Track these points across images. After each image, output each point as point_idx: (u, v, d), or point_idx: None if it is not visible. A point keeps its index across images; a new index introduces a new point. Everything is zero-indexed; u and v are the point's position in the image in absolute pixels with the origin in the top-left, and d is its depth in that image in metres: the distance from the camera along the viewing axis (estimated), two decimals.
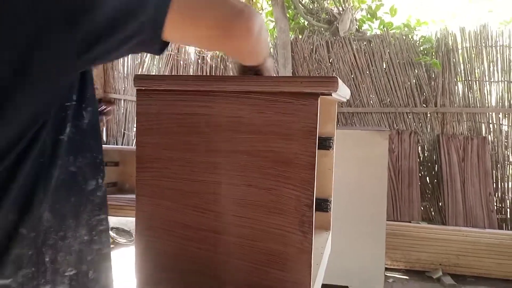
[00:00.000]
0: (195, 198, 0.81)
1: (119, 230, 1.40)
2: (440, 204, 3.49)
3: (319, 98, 0.72)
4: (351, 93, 3.66)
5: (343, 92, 0.91)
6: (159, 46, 0.58)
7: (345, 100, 1.03)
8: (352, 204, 2.68)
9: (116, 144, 4.21)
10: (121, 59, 4.13)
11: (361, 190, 2.74)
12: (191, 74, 4.01)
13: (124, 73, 4.15)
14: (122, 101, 4.17)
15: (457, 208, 3.33)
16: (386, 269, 2.90)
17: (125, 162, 3.65)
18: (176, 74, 4.02)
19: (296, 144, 0.74)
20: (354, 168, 2.69)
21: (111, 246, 1.38)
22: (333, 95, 0.75)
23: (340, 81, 0.74)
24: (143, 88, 0.82)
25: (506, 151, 3.49)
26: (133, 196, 0.84)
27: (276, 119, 0.74)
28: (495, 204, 3.36)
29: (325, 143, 1.12)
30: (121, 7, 0.51)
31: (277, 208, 0.76)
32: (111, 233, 1.38)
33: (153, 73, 4.14)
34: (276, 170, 0.75)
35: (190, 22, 0.57)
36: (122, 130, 4.19)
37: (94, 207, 0.64)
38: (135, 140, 0.88)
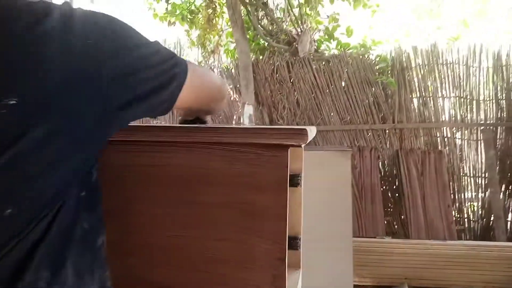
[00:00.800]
0: (162, 254, 0.77)
1: None
2: (402, 217, 3.59)
3: (289, 150, 0.72)
4: (313, 112, 3.72)
5: (312, 135, 0.91)
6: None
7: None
8: (318, 223, 2.70)
9: None
10: None
11: (327, 209, 2.76)
12: None
13: None
14: None
15: (419, 221, 3.43)
16: (355, 286, 2.93)
17: None
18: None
19: (267, 196, 0.72)
20: (318, 188, 2.71)
21: None
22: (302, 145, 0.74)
23: (309, 130, 0.73)
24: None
25: (461, 163, 3.65)
26: None
27: (247, 170, 0.73)
28: (454, 215, 3.49)
29: (294, 181, 1.11)
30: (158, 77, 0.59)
31: (248, 262, 0.74)
32: None
33: None
34: (247, 223, 0.74)
35: (195, 99, 0.69)
36: None
37: (102, 263, 0.64)
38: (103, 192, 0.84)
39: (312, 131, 0.92)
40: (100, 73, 0.51)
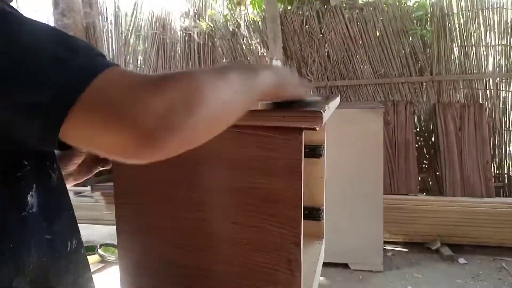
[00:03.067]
0: (178, 235, 0.76)
1: (108, 246, 1.37)
2: (437, 174, 3.47)
3: (303, 133, 0.66)
4: (344, 66, 3.56)
5: (333, 107, 0.85)
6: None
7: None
8: (349, 182, 2.66)
9: None
10: (105, 41, 3.98)
11: (358, 167, 2.71)
12: (178, 52, 3.87)
13: (109, 55, 4.01)
14: None
15: (455, 178, 3.31)
16: (385, 242, 2.92)
17: None
18: (162, 53, 3.89)
19: (281, 180, 0.68)
20: (350, 146, 2.64)
21: (101, 265, 1.35)
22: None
23: (327, 109, 0.67)
24: None
25: (503, 117, 3.44)
26: None
27: (259, 154, 0.69)
28: (492, 171, 3.34)
29: (316, 151, 1.06)
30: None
31: (263, 246, 0.71)
32: (99, 251, 1.35)
33: (140, 53, 4.01)
34: (261, 207, 0.71)
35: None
36: None
37: (80, 266, 0.60)
38: (113, 173, 0.83)
39: (333, 105, 0.86)
40: None
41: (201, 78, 0.43)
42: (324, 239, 1.18)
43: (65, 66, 0.38)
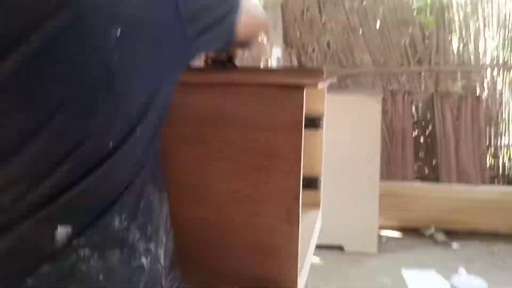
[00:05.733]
0: (179, 189, 0.81)
1: None
2: (434, 162, 3.53)
3: (304, 90, 0.71)
4: (344, 54, 3.60)
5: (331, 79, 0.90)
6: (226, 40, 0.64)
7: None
8: (345, 166, 2.71)
9: None
10: None
11: (355, 153, 2.76)
12: None
13: None
14: None
15: (450, 166, 3.37)
16: (380, 227, 2.98)
17: None
18: None
19: (282, 137, 0.73)
20: (347, 132, 2.69)
21: None
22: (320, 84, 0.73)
23: (326, 72, 0.72)
24: None
25: (500, 108, 3.49)
26: None
27: (261, 111, 0.74)
28: (488, 161, 3.40)
29: (314, 123, 1.12)
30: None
31: (264, 200, 0.77)
32: None
33: None
34: (262, 162, 0.76)
35: (245, 32, 0.66)
36: None
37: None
38: None
39: (331, 76, 0.90)
40: None
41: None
42: (321, 208, 1.23)
43: None
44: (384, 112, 3.33)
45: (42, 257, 0.48)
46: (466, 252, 2.80)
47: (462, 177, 3.32)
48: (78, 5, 0.44)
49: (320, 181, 1.19)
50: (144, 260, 0.54)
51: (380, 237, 2.96)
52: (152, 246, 0.56)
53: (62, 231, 0.48)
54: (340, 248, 2.79)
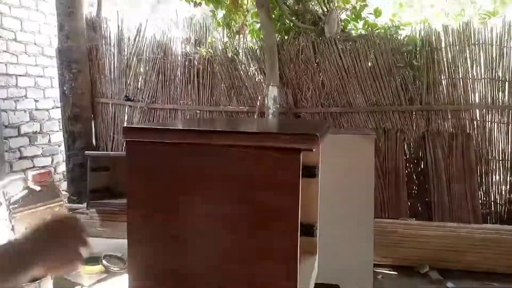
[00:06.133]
0: (184, 244, 0.85)
1: (112, 258, 1.43)
2: (426, 199, 3.58)
3: (301, 154, 0.76)
4: (338, 94, 3.70)
5: (327, 134, 0.95)
6: None
7: None
8: (340, 205, 2.74)
9: (106, 149, 4.21)
10: (108, 63, 4.11)
11: (349, 191, 2.79)
12: (178, 76, 4.00)
13: (111, 77, 4.14)
14: (110, 105, 4.17)
15: (443, 203, 3.42)
16: (375, 265, 2.98)
17: (115, 167, 3.68)
18: (163, 76, 4.02)
19: (280, 196, 0.78)
20: (342, 170, 2.74)
21: (105, 275, 1.41)
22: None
23: (322, 132, 0.78)
24: (132, 140, 0.86)
25: (489, 146, 3.58)
26: (125, 200, 0.87)
27: (261, 172, 0.78)
28: (480, 198, 3.46)
29: (311, 171, 1.16)
30: None
31: (264, 255, 0.80)
32: (104, 261, 1.41)
33: (140, 76, 4.13)
34: (262, 220, 0.80)
35: None
36: (111, 134, 4.19)
37: None
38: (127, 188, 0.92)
39: (327, 130, 0.96)
40: None
41: None
42: (317, 254, 1.26)
43: None
44: (377, 150, 3.40)
45: None
46: None
47: (455, 215, 3.36)
48: None
49: (317, 228, 1.22)
50: None
51: (375, 274, 2.95)
52: None
53: None
54: (336, 287, 2.78)
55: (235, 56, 3.86)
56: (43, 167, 4.18)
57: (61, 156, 4.43)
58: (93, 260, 1.32)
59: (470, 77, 3.56)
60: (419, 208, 3.63)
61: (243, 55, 3.88)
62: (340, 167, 2.71)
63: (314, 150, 0.77)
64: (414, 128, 3.65)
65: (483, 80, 3.55)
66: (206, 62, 3.91)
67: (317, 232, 1.23)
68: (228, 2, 3.87)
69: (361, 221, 2.79)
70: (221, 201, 0.82)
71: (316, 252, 1.25)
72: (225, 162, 0.80)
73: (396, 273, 3.10)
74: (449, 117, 3.61)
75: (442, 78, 3.61)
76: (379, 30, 3.68)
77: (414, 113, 3.65)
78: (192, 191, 0.83)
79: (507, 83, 3.50)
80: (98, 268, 1.32)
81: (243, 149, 0.79)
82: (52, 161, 4.40)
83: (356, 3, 3.68)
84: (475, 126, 3.58)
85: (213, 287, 0.83)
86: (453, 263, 3.08)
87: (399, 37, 3.65)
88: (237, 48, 3.94)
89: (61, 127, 4.27)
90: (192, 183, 0.84)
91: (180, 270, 0.86)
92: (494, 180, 3.58)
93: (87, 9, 4.19)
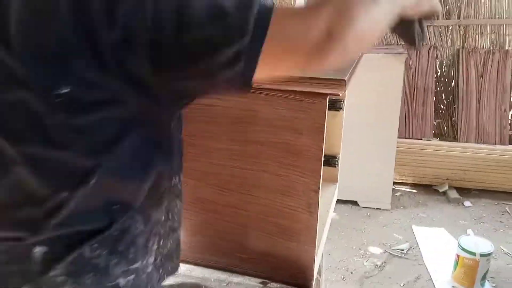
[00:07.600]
0: (216, 179, 0.91)
1: None
2: (453, 120, 3.53)
3: (327, 98, 0.77)
4: None
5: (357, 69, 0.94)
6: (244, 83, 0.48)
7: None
8: (365, 125, 2.76)
9: None
10: None
11: (375, 112, 2.79)
12: None
13: None
14: None
15: (470, 124, 3.37)
16: (395, 183, 3.08)
17: None
18: None
19: (306, 138, 0.81)
20: (369, 91, 2.70)
21: None
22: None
23: (349, 76, 0.77)
24: None
25: None
26: None
27: (288, 114, 0.80)
28: (509, 120, 3.38)
29: (336, 105, 1.17)
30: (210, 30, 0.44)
31: (289, 192, 0.86)
32: None
33: None
34: (287, 160, 0.84)
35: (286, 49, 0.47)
36: None
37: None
38: None
39: (354, 71, 0.94)
40: None
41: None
42: (338, 183, 1.32)
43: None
44: (407, 67, 3.29)
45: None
46: (477, 211, 2.89)
47: (481, 136, 3.33)
48: None
49: (339, 159, 1.26)
50: (121, 280, 0.55)
51: (394, 191, 3.06)
52: (135, 265, 0.56)
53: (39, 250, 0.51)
54: (355, 203, 2.92)
55: None
56: None
57: None
58: None
59: None
60: (445, 128, 3.59)
61: None
62: (368, 88, 2.67)
63: (340, 95, 0.77)
64: (449, 44, 3.46)
65: None
66: None
67: (339, 162, 1.27)
68: None
69: (384, 141, 2.82)
70: (252, 141, 0.85)
71: (337, 181, 1.31)
72: (256, 105, 0.82)
73: (415, 191, 3.19)
74: (488, 32, 3.39)
75: None
76: None
77: (450, 27, 3.43)
78: (222, 131, 0.87)
79: None
80: None
81: (273, 93, 0.80)
82: None
83: None
84: None
85: (244, 215, 0.91)
86: (472, 183, 3.13)
87: None
88: None
89: None
90: (222, 124, 0.87)
91: (212, 200, 0.94)
92: None
93: None
